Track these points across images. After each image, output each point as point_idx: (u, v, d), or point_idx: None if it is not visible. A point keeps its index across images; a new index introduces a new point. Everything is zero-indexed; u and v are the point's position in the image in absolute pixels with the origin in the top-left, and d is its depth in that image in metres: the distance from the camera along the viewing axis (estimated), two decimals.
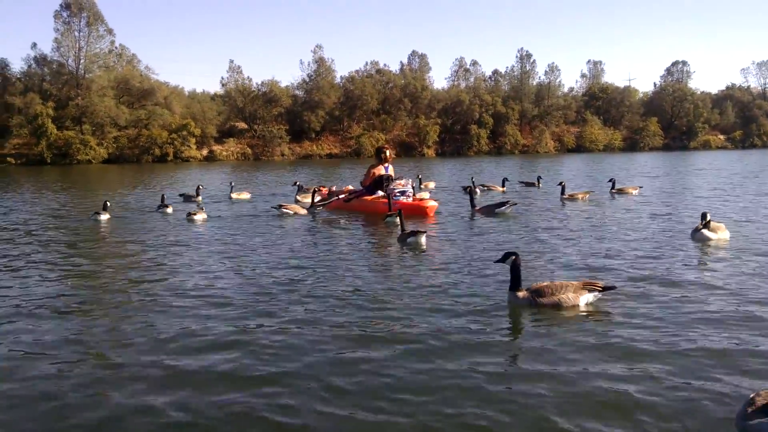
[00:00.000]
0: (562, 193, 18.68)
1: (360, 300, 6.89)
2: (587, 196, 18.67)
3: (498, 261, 6.85)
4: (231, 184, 23.09)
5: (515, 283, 6.51)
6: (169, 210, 16.64)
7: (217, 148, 70.79)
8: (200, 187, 21.18)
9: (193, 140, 66.64)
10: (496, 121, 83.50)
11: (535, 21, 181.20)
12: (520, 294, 6.45)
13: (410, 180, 17.04)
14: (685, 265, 8.52)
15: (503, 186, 22.60)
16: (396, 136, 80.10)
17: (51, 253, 10.57)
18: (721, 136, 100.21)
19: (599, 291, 6.43)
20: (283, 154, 72.20)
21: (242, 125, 76.37)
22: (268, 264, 8.94)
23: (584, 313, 6.23)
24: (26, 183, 32.12)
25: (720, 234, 10.43)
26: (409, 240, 10.69)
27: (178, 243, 11.37)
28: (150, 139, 64.62)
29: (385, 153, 16.75)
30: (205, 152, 69.07)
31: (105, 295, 7.33)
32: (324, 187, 20.30)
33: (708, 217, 10.51)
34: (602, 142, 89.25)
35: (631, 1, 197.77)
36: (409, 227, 11.26)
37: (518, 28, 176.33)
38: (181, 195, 20.80)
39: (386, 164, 16.59)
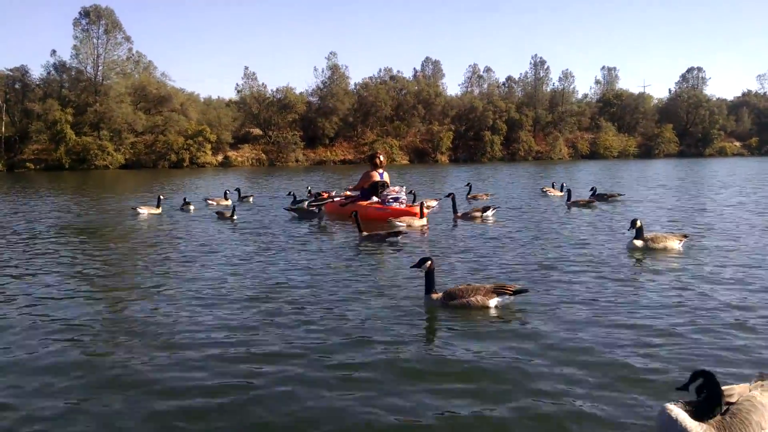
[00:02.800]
0: (568, 199, 19.02)
1: (291, 297, 7.44)
2: (593, 203, 18.91)
3: (413, 266, 7.21)
4: (238, 189, 23.36)
5: (429, 286, 6.94)
6: (191, 208, 18.44)
7: (232, 154, 71.50)
8: (227, 192, 22.11)
9: (209, 146, 67.40)
10: (509, 128, 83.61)
11: (550, 27, 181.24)
12: (434, 296, 6.89)
13: (404, 187, 17.21)
14: (610, 270, 8.70)
15: (562, 191, 22.73)
16: (410, 143, 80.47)
17: (94, 244, 11.27)
18: (737, 143, 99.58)
19: (510, 294, 6.76)
20: (297, 160, 72.75)
21: (257, 131, 77.08)
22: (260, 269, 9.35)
23: (494, 315, 6.59)
24: (54, 187, 32.71)
25: (659, 244, 10.03)
26: (389, 239, 11.59)
27: (191, 238, 12.20)
28: (166, 145, 65.45)
29: (378, 159, 16.94)
30: (220, 158, 69.79)
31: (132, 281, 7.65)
32: (325, 192, 20.57)
33: (638, 224, 10.28)
34: (617, 148, 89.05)
35: (646, 7, 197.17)
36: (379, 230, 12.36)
37: (532, 35, 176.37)
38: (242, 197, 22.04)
39: (380, 170, 16.75)
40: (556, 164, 67.75)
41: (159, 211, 17.51)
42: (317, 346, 5.62)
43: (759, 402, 3.73)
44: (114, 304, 7.26)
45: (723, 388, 3.79)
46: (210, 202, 20.52)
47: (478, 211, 15.51)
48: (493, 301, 6.75)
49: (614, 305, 6.88)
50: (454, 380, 4.84)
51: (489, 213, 15.31)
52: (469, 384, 4.75)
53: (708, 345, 5.52)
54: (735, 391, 3.83)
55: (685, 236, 10.51)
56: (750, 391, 3.84)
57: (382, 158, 17.08)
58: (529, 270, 8.92)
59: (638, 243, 10.17)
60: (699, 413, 3.69)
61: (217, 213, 16.46)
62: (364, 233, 11.92)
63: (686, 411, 3.70)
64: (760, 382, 3.95)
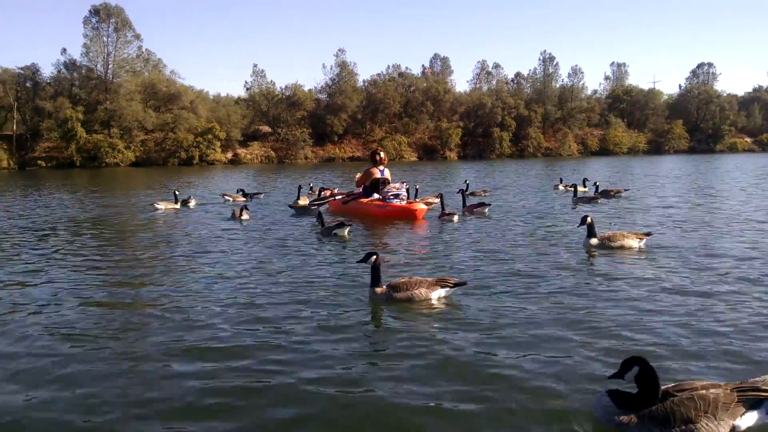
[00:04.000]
0: (574, 195, 19.14)
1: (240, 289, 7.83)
2: (599, 199, 18.98)
3: (360, 261, 7.46)
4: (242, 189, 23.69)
5: (375, 280, 7.12)
6: (192, 204, 19.11)
7: (241, 151, 71.76)
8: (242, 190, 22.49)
9: (218, 143, 67.70)
10: (518, 124, 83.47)
11: (558, 23, 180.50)
12: (378, 290, 7.06)
13: (405, 184, 17.38)
14: (558, 268, 8.75)
15: (584, 186, 22.59)
16: (418, 140, 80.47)
17: (110, 237, 11.44)
18: (748, 139, 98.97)
19: (450, 287, 7.06)
20: (306, 157, 72.92)
21: (266, 129, 77.29)
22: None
23: (435, 307, 6.86)
24: (67, 184, 32.96)
25: (615, 242, 9.90)
26: (334, 231, 12.24)
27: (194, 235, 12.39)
28: (176, 142, 65.78)
29: (379, 155, 17.17)
30: (229, 155, 70.06)
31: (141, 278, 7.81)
32: (328, 189, 20.83)
33: (588, 220, 10.20)
34: (626, 144, 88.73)
35: (656, 3, 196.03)
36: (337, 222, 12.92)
37: (541, 31, 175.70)
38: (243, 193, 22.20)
39: (381, 167, 16.95)
40: (565, 160, 67.54)
41: (177, 206, 18.31)
42: (261, 342, 5.79)
43: (701, 397, 3.60)
44: (110, 300, 7.46)
45: (697, 383, 3.79)
46: (227, 197, 21.23)
47: (479, 206, 16.10)
48: (436, 294, 7.03)
49: (550, 298, 7.10)
50: (393, 365, 5.08)
51: (481, 209, 15.85)
52: (409, 367, 5.00)
53: (642, 342, 5.56)
54: (694, 385, 3.77)
55: (648, 234, 10.29)
56: (715, 389, 3.69)
57: (382, 155, 17.29)
58: (486, 262, 9.30)
59: (593, 241, 10.11)
60: (635, 402, 3.73)
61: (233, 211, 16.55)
62: (323, 228, 12.72)
63: (621, 397, 3.79)
64: (738, 384, 3.79)
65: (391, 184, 16.61)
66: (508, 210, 17.03)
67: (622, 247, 9.91)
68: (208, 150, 66.68)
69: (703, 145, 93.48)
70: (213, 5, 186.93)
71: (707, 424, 3.52)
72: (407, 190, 16.94)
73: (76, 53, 71.27)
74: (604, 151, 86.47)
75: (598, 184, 21.79)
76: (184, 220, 15.76)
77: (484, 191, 22.61)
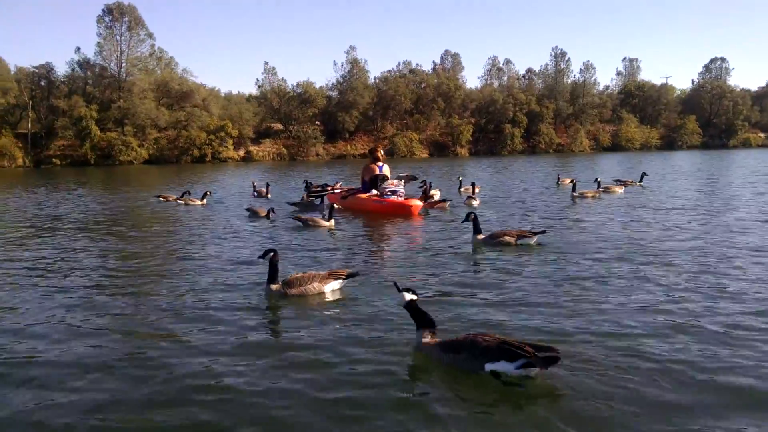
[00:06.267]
0: (573, 190, 19.23)
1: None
2: (598, 194, 19.11)
3: (260, 257, 7.55)
4: (253, 183, 24.33)
5: (272, 277, 7.30)
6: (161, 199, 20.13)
7: (253, 148, 72.02)
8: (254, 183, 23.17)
9: (231, 141, 67.97)
10: (530, 120, 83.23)
11: (570, 19, 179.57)
12: (274, 286, 7.26)
13: (402, 181, 17.65)
14: (437, 265, 9.12)
15: (641, 181, 23.13)
16: (429, 136, 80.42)
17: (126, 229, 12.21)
18: (762, 134, 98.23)
19: (343, 278, 7.40)
20: (317, 154, 73.12)
21: (278, 126, 77.50)
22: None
23: (328, 299, 7.24)
24: (90, 182, 33.28)
25: (496, 239, 10.33)
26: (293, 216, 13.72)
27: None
28: (189, 140, 66.12)
29: (377, 152, 17.73)
30: (242, 153, 70.37)
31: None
32: (329, 186, 21.16)
33: (472, 217, 10.67)
34: (639, 140, 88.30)
35: None
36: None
37: (552, 26, 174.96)
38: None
39: (380, 164, 17.43)
40: (577, 156, 67.32)
41: (204, 202, 19.18)
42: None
43: (475, 338, 4.84)
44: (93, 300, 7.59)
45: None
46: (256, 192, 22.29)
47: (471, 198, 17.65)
48: (329, 287, 7.30)
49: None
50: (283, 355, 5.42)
51: (470, 201, 17.42)
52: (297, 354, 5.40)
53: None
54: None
55: (541, 232, 10.62)
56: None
57: (380, 153, 17.80)
58: (398, 255, 10.07)
59: (479, 237, 10.59)
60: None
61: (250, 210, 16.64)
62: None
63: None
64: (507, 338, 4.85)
65: (389, 181, 17.06)
66: (498, 207, 17.29)
67: (500, 243, 10.35)
68: (220, 147, 67.01)
69: (716, 140, 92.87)
70: (224, 4, 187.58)
71: (468, 354, 4.79)
72: (421, 188, 17.43)
73: (89, 52, 71.22)
74: (617, 146, 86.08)
75: (599, 180, 21.82)
76: (198, 216, 16.04)
77: (477, 187, 22.92)
